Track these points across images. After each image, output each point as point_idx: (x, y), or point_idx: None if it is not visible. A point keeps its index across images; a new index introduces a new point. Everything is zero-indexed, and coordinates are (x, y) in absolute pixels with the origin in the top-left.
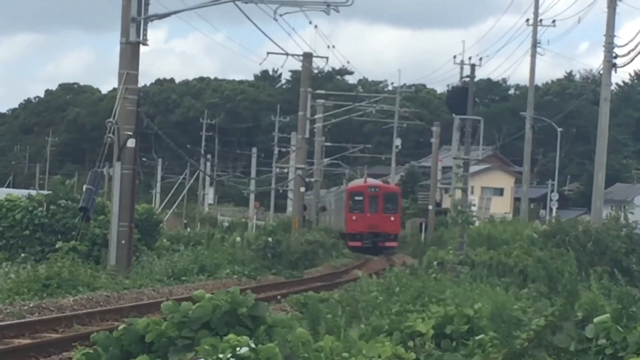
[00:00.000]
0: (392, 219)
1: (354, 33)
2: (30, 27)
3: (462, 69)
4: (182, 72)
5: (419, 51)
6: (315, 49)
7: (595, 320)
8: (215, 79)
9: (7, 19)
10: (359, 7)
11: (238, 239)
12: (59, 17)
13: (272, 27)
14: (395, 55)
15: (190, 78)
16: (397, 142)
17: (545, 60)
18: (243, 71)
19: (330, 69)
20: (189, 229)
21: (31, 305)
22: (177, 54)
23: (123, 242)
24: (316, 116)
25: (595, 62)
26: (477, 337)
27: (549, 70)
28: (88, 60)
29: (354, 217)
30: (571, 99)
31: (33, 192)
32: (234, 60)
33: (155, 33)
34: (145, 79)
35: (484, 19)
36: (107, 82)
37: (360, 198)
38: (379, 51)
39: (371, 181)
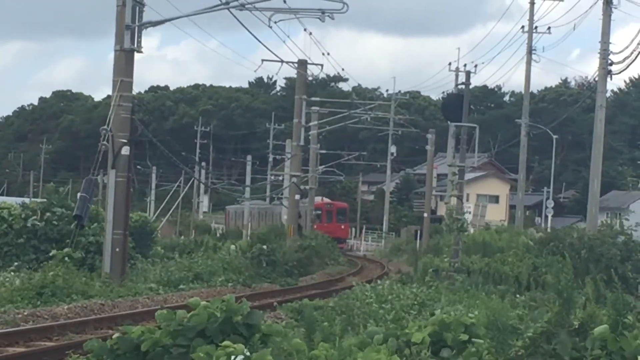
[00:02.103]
0: (343, 227)
1: (345, 41)
2: (20, 34)
3: (457, 76)
4: (174, 79)
5: (409, 59)
6: (309, 55)
7: (595, 331)
8: (211, 86)
9: None
10: (349, 15)
11: (232, 247)
12: (49, 24)
13: (264, 34)
14: (386, 63)
15: (183, 85)
16: (393, 149)
17: (537, 67)
18: (235, 78)
19: (324, 76)
20: (183, 237)
21: (25, 313)
22: (169, 61)
23: (117, 250)
24: (311, 123)
25: (588, 68)
26: (473, 345)
27: (541, 77)
28: (79, 68)
29: (315, 226)
30: (566, 106)
31: (27, 200)
32: (227, 67)
33: (148, 40)
34: (138, 86)
35: (474, 27)
36: (99, 89)
37: (320, 212)
38: (369, 58)
39: (326, 200)
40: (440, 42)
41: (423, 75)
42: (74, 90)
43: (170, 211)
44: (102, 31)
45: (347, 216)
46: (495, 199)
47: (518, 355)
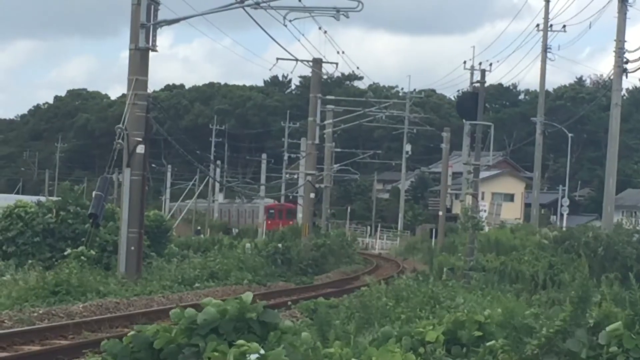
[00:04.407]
0: (291, 222)
1: (353, 39)
2: (29, 33)
3: (472, 74)
4: (185, 77)
5: (418, 57)
6: (322, 54)
7: (607, 328)
8: (225, 84)
9: (5, 26)
10: (358, 14)
11: (248, 245)
12: (57, 23)
13: (276, 32)
14: (395, 61)
15: (194, 83)
16: (407, 147)
17: (548, 65)
18: (248, 76)
19: (339, 75)
20: (202, 236)
21: (40, 311)
22: (180, 59)
23: (132, 248)
24: (326, 122)
25: (599, 66)
26: (488, 344)
27: (553, 75)
28: (90, 67)
29: (269, 221)
30: (582, 104)
31: (42, 199)
32: (239, 65)
33: (160, 38)
34: (150, 84)
35: (481, 26)
36: (110, 88)
37: (272, 211)
38: (379, 57)
39: (276, 202)
40: (448, 41)
41: (432, 74)
42: (87, 89)
43: (185, 209)
44: (111, 30)
45: (295, 215)
46: (510, 197)
47: (533, 354)
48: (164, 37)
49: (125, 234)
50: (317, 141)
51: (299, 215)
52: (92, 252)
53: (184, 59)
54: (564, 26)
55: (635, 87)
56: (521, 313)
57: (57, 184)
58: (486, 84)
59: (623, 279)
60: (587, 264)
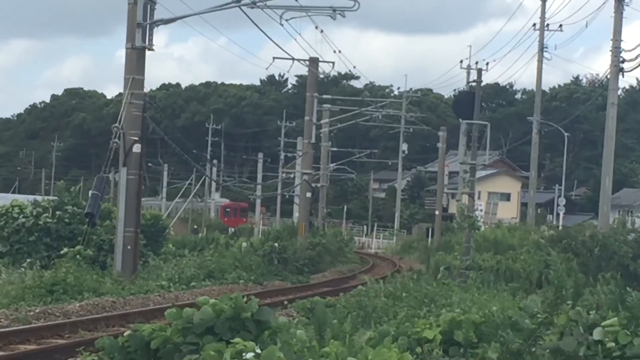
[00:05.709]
0: (245, 220)
1: (350, 39)
2: (24, 33)
3: (468, 73)
4: (181, 76)
5: (415, 57)
6: (318, 53)
7: (603, 323)
8: (222, 83)
9: (1, 25)
10: (354, 13)
11: (244, 244)
12: (52, 23)
13: (272, 31)
14: (392, 61)
15: (189, 82)
16: (404, 147)
17: (545, 64)
18: (244, 76)
19: (336, 74)
20: (200, 235)
21: (37, 310)
22: (175, 58)
23: (129, 247)
24: (322, 121)
25: (594, 65)
26: (485, 344)
27: (547, 74)
28: (85, 67)
29: (226, 219)
30: (578, 103)
31: (39, 198)
32: (233, 64)
33: (155, 38)
34: (147, 84)
35: (475, 25)
36: (105, 87)
37: (229, 210)
38: (375, 56)
39: (231, 202)
40: (444, 40)
41: (428, 73)
42: (84, 88)
43: (182, 208)
44: (108, 29)
45: (247, 212)
46: (506, 197)
47: (529, 352)
48: (159, 36)
49: (121, 233)
50: (313, 140)
51: (296, 214)
52: (89, 251)
53: (180, 58)
54: (561, 25)
55: (632, 86)
56: (515, 311)
57: (53, 183)
58: (482, 84)
59: (619, 278)
60: (575, 262)
